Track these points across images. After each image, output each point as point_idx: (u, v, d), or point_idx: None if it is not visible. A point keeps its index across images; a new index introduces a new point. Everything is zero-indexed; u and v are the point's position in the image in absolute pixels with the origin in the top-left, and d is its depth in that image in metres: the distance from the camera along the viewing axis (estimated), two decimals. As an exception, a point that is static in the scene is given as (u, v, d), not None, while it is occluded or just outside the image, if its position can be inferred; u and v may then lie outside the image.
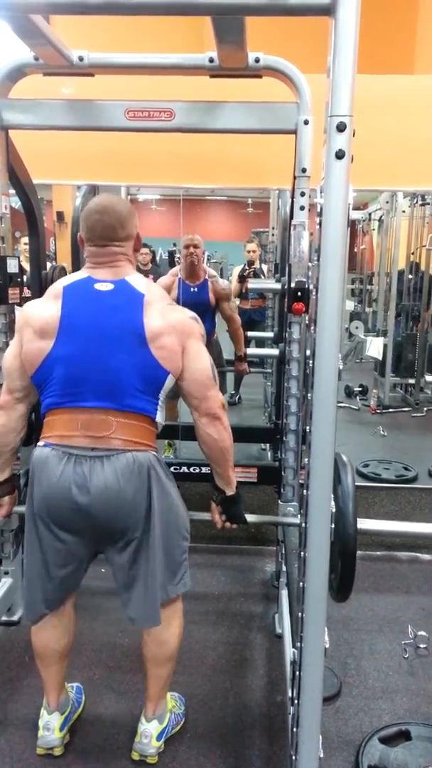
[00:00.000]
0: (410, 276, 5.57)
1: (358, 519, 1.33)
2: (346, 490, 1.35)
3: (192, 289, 3.47)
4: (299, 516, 1.32)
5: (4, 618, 2.24)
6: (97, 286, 1.52)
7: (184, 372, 1.53)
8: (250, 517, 1.81)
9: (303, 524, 1.21)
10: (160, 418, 1.53)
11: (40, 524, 1.52)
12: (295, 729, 1.31)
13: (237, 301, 4.24)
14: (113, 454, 1.47)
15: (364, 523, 1.46)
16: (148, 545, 1.51)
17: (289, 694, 1.43)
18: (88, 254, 1.60)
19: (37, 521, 1.52)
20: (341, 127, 1.02)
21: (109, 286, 1.52)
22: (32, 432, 1.84)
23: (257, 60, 1.90)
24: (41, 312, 1.52)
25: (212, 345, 3.47)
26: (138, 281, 1.55)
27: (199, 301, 3.36)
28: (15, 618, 2.26)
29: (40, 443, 1.53)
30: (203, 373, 1.55)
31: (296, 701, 1.30)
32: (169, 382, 1.52)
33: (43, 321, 1.50)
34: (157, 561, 1.52)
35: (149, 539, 1.51)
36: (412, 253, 5.58)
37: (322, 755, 1.30)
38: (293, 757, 1.33)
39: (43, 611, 1.60)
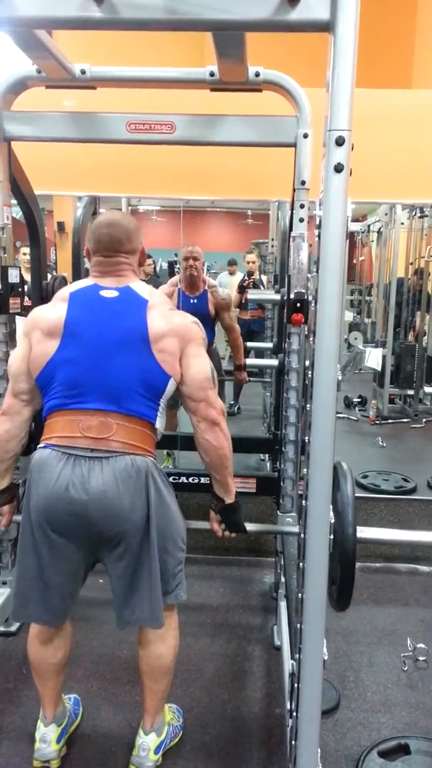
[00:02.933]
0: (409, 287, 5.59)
1: (358, 528, 1.33)
2: (345, 498, 1.35)
3: (192, 301, 3.46)
4: (298, 526, 1.32)
5: (1, 628, 2.23)
6: (103, 293, 1.57)
7: (183, 376, 1.55)
8: (249, 526, 1.81)
9: (302, 535, 1.21)
10: (159, 424, 1.55)
11: (36, 527, 1.50)
12: (293, 742, 1.30)
13: (237, 311, 4.26)
14: (112, 456, 1.48)
15: (363, 532, 1.43)
16: (147, 552, 1.51)
17: (288, 707, 1.42)
18: (94, 264, 1.65)
19: (33, 524, 1.51)
20: (340, 141, 1.03)
21: (114, 293, 1.57)
22: (31, 442, 1.84)
23: (257, 74, 1.93)
24: (48, 315, 1.57)
25: (211, 355, 3.46)
26: (142, 288, 1.61)
27: (198, 312, 3.34)
28: (12, 629, 2.25)
29: (41, 445, 1.54)
30: (202, 376, 1.57)
31: (295, 714, 1.29)
32: (171, 387, 1.54)
33: (50, 322, 1.55)
34: (156, 566, 1.52)
35: (147, 545, 1.50)
36: (411, 263, 5.60)
37: (320, 769, 1.29)
38: (291, 771, 1.32)
39: (40, 618, 1.59)
